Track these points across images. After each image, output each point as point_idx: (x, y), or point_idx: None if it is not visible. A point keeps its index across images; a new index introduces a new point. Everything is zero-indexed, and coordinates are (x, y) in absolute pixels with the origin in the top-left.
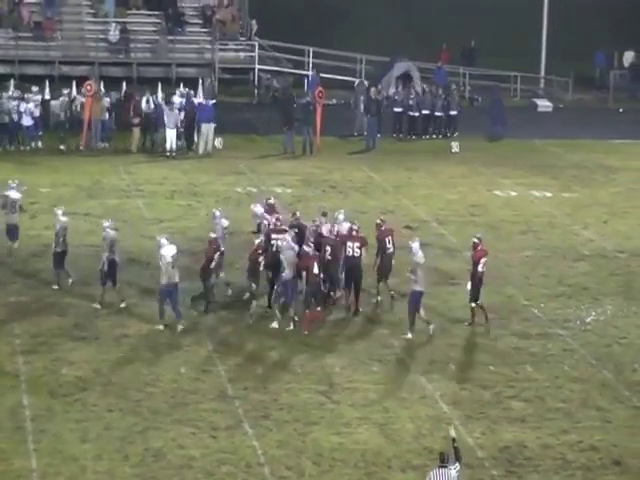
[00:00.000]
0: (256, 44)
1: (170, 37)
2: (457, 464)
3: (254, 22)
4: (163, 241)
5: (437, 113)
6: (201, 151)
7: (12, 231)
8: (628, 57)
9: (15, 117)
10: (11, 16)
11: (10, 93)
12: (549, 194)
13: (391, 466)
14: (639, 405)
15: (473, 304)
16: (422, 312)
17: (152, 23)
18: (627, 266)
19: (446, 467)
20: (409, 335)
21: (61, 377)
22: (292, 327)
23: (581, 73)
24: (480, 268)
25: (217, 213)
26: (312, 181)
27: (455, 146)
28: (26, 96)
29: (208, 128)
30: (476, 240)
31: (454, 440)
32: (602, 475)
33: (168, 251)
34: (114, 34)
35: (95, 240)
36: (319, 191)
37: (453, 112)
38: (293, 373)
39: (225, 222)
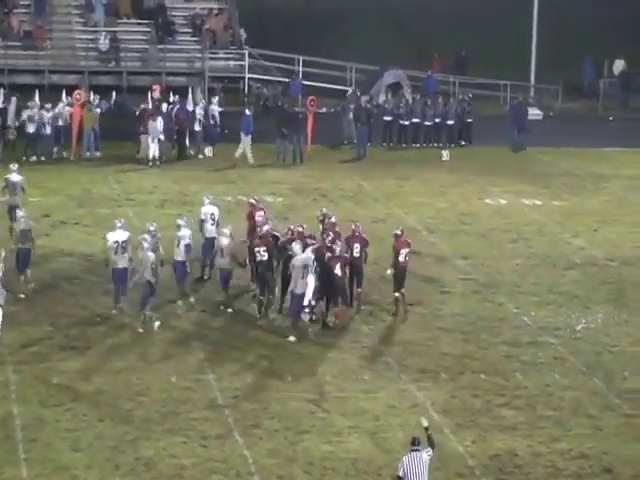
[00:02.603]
0: (246, 53)
1: (160, 46)
2: (429, 449)
3: (242, 31)
4: (118, 224)
5: (427, 122)
6: (237, 155)
7: (13, 211)
8: (618, 65)
9: (40, 127)
10: (1, 25)
11: (38, 103)
12: (539, 202)
13: (382, 474)
14: (630, 413)
15: (397, 294)
16: (305, 317)
17: (142, 32)
18: (618, 274)
19: (418, 450)
20: (291, 338)
21: (52, 387)
22: (141, 330)
23: (571, 82)
24: (402, 258)
25: (118, 224)
26: (303, 190)
27: (445, 154)
28: (47, 106)
29: (246, 139)
30: (398, 232)
31: (427, 429)
32: None
33: (113, 236)
34: (104, 43)
35: (87, 249)
36: (310, 200)
37: (450, 121)
38: (284, 382)
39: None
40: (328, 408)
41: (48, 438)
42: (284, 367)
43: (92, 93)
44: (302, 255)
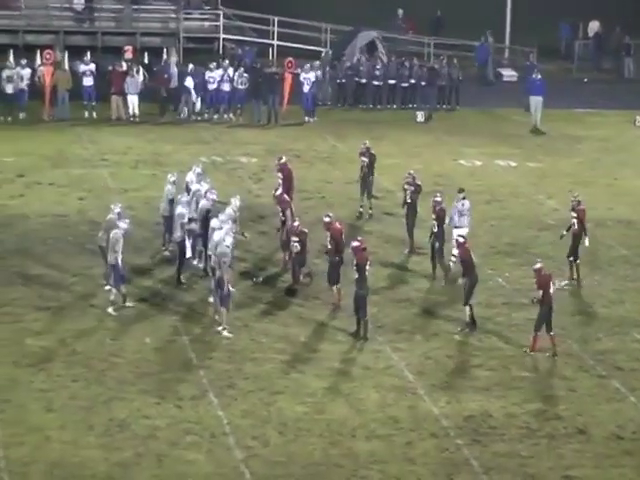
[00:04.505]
0: (221, 13)
1: (135, 6)
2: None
3: None
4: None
5: (403, 84)
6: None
7: None
8: (593, 27)
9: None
10: None
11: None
12: (513, 163)
13: (356, 435)
14: (603, 374)
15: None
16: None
17: None
18: (591, 236)
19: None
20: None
21: (25, 347)
22: None
23: (546, 44)
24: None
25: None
26: (276, 150)
27: (420, 116)
28: (22, 62)
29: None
30: (327, 219)
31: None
32: (566, 444)
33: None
34: (79, 3)
35: (62, 210)
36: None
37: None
38: (258, 343)
39: None
40: (302, 369)
41: (21, 399)
42: (258, 328)
43: (67, 53)
44: (123, 225)
